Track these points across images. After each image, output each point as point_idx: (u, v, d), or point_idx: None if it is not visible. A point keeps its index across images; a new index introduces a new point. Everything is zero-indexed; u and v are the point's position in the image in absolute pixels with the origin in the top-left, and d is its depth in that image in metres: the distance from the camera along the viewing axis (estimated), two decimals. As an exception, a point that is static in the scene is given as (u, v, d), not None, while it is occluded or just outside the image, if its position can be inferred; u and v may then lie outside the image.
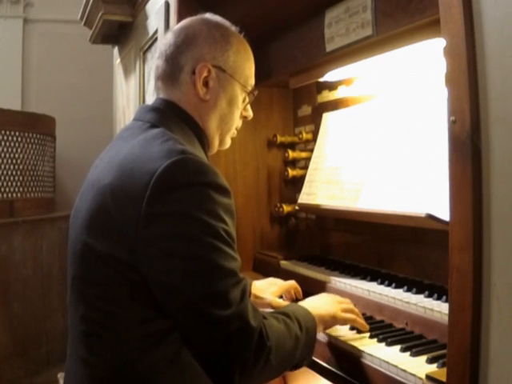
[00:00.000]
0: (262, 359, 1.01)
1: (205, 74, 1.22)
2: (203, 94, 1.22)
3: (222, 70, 1.24)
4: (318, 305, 1.29)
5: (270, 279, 1.66)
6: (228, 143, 1.36)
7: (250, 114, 1.36)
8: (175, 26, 1.31)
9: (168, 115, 1.20)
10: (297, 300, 1.59)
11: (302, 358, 1.16)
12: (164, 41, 1.27)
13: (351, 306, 1.35)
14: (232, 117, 1.29)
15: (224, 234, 1.02)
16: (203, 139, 1.25)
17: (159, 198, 1.00)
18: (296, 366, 1.17)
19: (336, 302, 1.34)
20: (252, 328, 1.00)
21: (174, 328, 1.06)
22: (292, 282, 1.63)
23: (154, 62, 1.30)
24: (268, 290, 1.57)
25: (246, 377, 1.00)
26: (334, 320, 1.28)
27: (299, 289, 1.62)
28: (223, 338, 0.98)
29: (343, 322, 1.29)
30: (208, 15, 1.31)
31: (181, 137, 1.15)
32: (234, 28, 1.31)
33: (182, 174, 1.02)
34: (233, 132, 1.34)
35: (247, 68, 1.31)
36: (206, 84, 1.22)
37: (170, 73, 1.24)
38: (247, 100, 1.33)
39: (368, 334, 1.27)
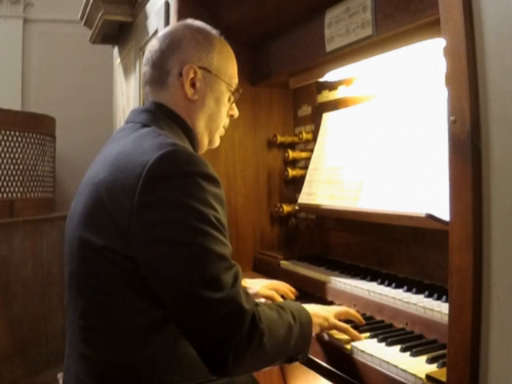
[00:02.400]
0: (255, 342, 1.02)
1: (191, 75, 1.27)
2: (191, 94, 1.27)
3: (208, 70, 1.29)
4: (312, 306, 1.30)
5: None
6: (217, 142, 1.40)
7: (235, 112, 1.42)
8: (159, 33, 1.36)
9: (158, 116, 1.25)
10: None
11: (296, 350, 1.16)
12: (150, 48, 1.33)
13: (346, 311, 1.35)
14: (220, 115, 1.35)
15: (215, 221, 1.04)
16: (193, 138, 1.30)
17: (151, 188, 1.03)
18: (291, 359, 1.17)
19: (330, 309, 1.35)
20: (245, 310, 1.01)
21: (169, 319, 1.08)
22: (284, 283, 1.66)
23: (142, 68, 1.34)
24: (258, 282, 1.62)
25: (240, 359, 1.00)
26: (326, 322, 1.28)
27: (289, 294, 1.63)
28: (216, 320, 0.99)
29: (334, 326, 1.28)
30: (189, 20, 1.36)
31: (171, 135, 1.19)
32: (214, 31, 1.36)
33: (172, 164, 1.05)
34: (221, 130, 1.39)
35: (230, 68, 1.36)
36: (193, 85, 1.28)
37: (158, 77, 1.29)
38: (232, 99, 1.38)
39: (368, 334, 1.27)
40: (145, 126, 1.21)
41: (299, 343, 1.16)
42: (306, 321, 1.20)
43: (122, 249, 1.05)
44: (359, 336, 1.26)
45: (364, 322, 1.34)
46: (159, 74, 1.28)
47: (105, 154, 1.19)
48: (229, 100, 1.36)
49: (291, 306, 1.21)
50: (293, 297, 1.63)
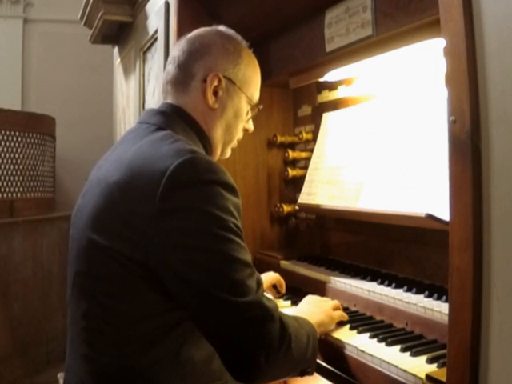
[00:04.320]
0: (285, 344, 1.03)
1: (215, 83, 1.26)
2: (212, 102, 1.27)
3: (232, 81, 1.29)
4: (312, 311, 1.32)
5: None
6: (228, 153, 1.40)
7: (251, 127, 1.42)
8: (189, 34, 1.35)
9: (174, 119, 1.23)
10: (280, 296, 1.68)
11: (310, 361, 1.17)
12: (177, 47, 1.31)
13: (337, 303, 1.42)
14: (236, 128, 1.34)
15: (235, 228, 1.05)
16: (207, 145, 1.29)
17: (172, 195, 1.02)
18: (303, 372, 1.17)
19: (323, 301, 1.39)
20: (273, 311, 1.03)
21: (176, 323, 1.08)
22: (275, 275, 1.70)
23: (166, 66, 1.33)
24: None
25: (272, 360, 1.01)
26: (331, 319, 1.33)
27: (282, 281, 1.69)
28: (246, 322, 0.99)
29: (339, 318, 1.35)
30: (222, 27, 1.36)
31: (187, 140, 1.18)
32: (244, 43, 1.36)
33: (192, 172, 1.04)
34: (234, 143, 1.39)
35: (254, 83, 1.36)
36: (215, 93, 1.27)
37: (181, 79, 1.28)
38: (250, 114, 1.38)
39: (368, 334, 1.27)
40: (160, 128, 1.19)
41: (312, 355, 1.17)
42: (315, 335, 1.21)
43: (134, 253, 1.04)
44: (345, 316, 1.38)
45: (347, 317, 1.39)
46: (183, 75, 1.27)
47: (117, 154, 1.17)
48: (246, 114, 1.36)
49: (300, 318, 1.22)
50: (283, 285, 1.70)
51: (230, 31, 1.36)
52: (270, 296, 1.59)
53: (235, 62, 1.29)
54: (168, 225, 1.02)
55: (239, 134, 1.38)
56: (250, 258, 1.06)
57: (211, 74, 1.25)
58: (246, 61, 1.32)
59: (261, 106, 1.39)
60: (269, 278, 1.69)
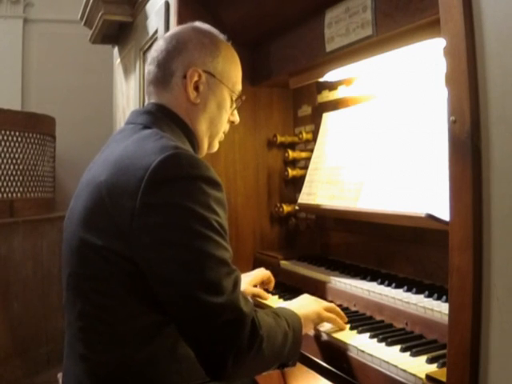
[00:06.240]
0: (255, 347, 1.03)
1: (195, 78, 1.27)
2: (194, 97, 1.27)
3: (212, 74, 1.29)
4: (302, 305, 1.32)
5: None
6: (216, 146, 1.40)
7: (236, 118, 1.42)
8: (166, 33, 1.36)
9: (159, 117, 1.24)
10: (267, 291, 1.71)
11: (289, 356, 1.17)
12: (155, 47, 1.33)
13: (333, 305, 1.39)
14: (221, 120, 1.35)
15: (216, 225, 1.05)
16: (193, 141, 1.30)
17: (153, 191, 1.03)
18: (284, 365, 1.18)
19: (318, 301, 1.38)
20: (245, 315, 1.02)
21: (170, 320, 1.08)
22: (262, 270, 1.73)
23: (146, 67, 1.34)
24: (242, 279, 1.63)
25: (239, 363, 1.01)
26: (319, 318, 1.31)
27: (271, 278, 1.72)
28: (217, 324, 0.99)
29: (327, 319, 1.32)
30: (197, 23, 1.36)
31: (173, 137, 1.19)
32: (222, 36, 1.36)
33: (175, 167, 1.05)
34: (221, 135, 1.39)
35: (235, 74, 1.36)
36: (196, 88, 1.28)
37: (162, 78, 1.29)
38: (234, 105, 1.38)
39: (368, 334, 1.27)
40: (146, 127, 1.20)
41: (292, 350, 1.17)
42: (299, 328, 1.21)
43: (122, 250, 1.05)
44: (345, 326, 1.32)
45: (346, 319, 1.36)
46: (163, 74, 1.28)
47: (105, 155, 1.19)
48: (230, 106, 1.36)
49: (285, 312, 1.22)
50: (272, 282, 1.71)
51: (206, 26, 1.36)
52: (255, 289, 1.65)
53: (213, 55, 1.30)
54: (149, 220, 1.02)
55: (225, 127, 1.38)
56: (228, 257, 1.06)
57: (190, 69, 1.26)
58: (223, 53, 1.32)
59: (243, 97, 1.39)
60: (259, 274, 1.71)
